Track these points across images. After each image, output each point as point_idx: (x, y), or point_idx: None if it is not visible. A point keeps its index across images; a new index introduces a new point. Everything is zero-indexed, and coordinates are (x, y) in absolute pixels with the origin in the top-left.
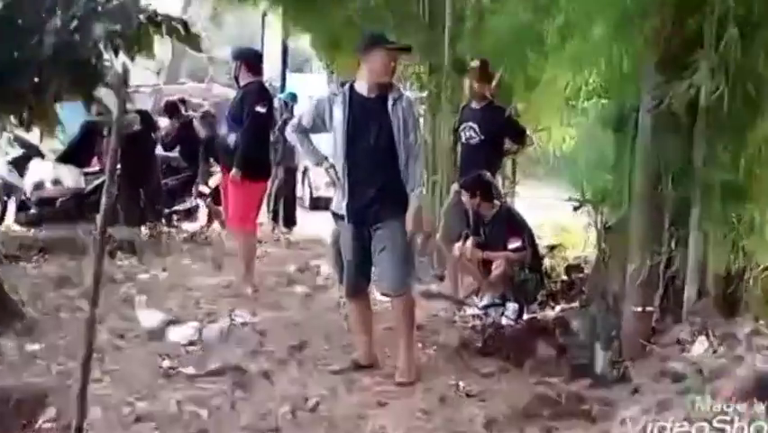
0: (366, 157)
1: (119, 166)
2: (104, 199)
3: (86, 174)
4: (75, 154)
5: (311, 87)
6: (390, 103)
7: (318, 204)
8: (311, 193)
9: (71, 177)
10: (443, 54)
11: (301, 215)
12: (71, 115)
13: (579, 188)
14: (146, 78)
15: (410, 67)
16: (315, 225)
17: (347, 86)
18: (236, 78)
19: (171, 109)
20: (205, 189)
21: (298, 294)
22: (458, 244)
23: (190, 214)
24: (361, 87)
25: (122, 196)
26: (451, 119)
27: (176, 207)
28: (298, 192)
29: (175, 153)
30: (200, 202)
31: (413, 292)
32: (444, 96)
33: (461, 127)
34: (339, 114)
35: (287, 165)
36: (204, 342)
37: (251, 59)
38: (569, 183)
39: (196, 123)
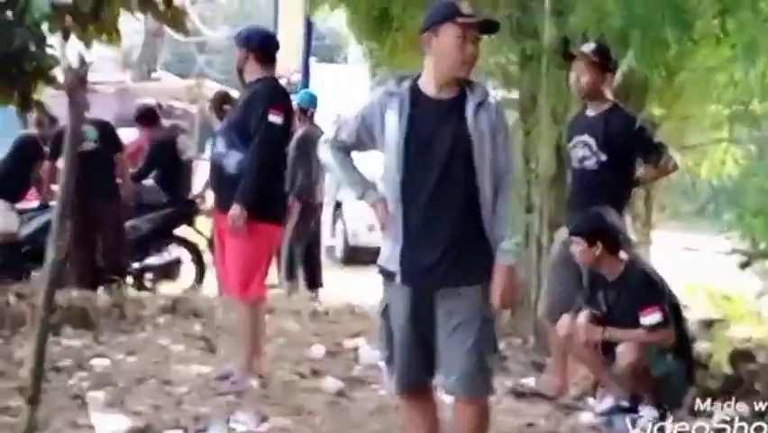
0: (432, 188)
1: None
2: (49, 251)
3: (19, 212)
4: (4, 183)
5: (344, 84)
6: (471, 109)
7: (356, 256)
8: (346, 241)
9: None
10: (542, 35)
11: (331, 272)
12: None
13: (748, 236)
14: (106, 72)
15: (493, 55)
16: (352, 288)
17: (407, 82)
18: (240, 73)
19: (146, 117)
20: (191, 234)
21: (327, 391)
22: (566, 319)
23: (170, 270)
24: (427, 86)
25: (70, 243)
26: (554, 132)
27: (149, 261)
28: (326, 239)
29: (149, 182)
30: (184, 253)
31: (492, 393)
32: (544, 98)
33: (572, 144)
34: (394, 123)
35: (306, 199)
36: None
37: (262, 47)
38: (732, 227)
39: (181, 138)
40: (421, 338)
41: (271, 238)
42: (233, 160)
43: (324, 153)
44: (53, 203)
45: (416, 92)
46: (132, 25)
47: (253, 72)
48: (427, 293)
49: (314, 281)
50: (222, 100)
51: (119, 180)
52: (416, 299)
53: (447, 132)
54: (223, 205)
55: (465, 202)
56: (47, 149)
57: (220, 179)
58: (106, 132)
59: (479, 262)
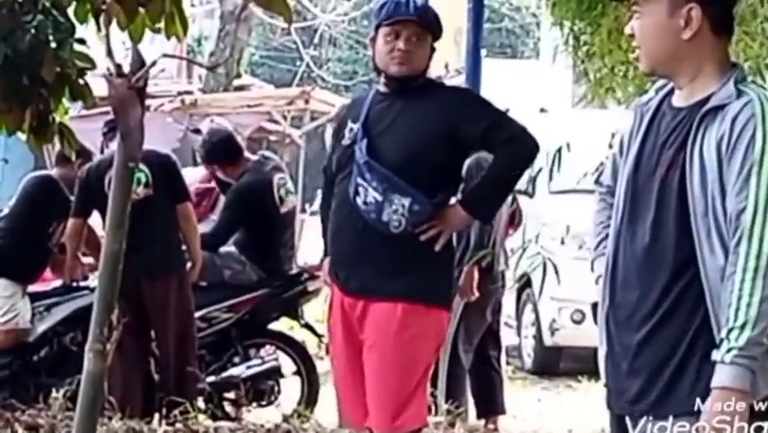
0: (642, 252)
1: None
2: (86, 359)
3: (32, 298)
4: (9, 253)
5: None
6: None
7: (556, 363)
8: (539, 337)
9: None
10: None
11: (517, 388)
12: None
13: None
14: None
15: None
16: (552, 413)
17: (665, 88)
18: (410, 77)
19: (223, 150)
20: (296, 331)
21: None
22: None
23: (262, 388)
24: (678, 96)
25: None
26: None
27: (231, 373)
28: (507, 336)
29: (229, 249)
30: (284, 360)
31: None
32: None
33: None
34: (633, 146)
35: (482, 267)
36: None
37: (440, 32)
38: None
39: (279, 179)
40: None
41: (441, 331)
42: (398, 211)
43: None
44: (87, 283)
45: (665, 101)
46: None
47: (423, 65)
48: (630, 417)
49: (490, 404)
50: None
51: (183, 247)
52: (619, 426)
53: (672, 160)
54: (362, 286)
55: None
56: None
57: (367, 243)
58: (165, 171)
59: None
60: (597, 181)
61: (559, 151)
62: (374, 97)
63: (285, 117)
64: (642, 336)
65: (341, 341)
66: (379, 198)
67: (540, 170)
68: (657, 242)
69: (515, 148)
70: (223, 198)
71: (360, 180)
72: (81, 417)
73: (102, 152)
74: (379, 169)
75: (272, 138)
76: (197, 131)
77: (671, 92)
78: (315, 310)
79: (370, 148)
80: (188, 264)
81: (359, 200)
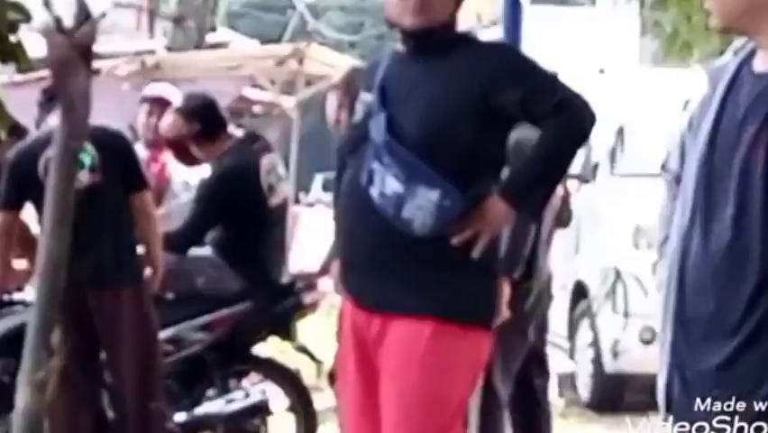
0: (718, 262)
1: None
2: (19, 394)
3: None
4: None
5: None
6: None
7: (618, 394)
8: (598, 362)
9: None
10: None
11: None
12: None
13: None
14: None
15: None
16: None
17: (745, 50)
18: (426, 32)
19: (199, 122)
20: (288, 355)
21: None
22: None
23: (245, 428)
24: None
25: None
26: None
27: (205, 410)
28: (558, 361)
29: (203, 250)
30: (273, 392)
31: None
32: None
33: None
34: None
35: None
36: None
37: None
38: None
39: (267, 161)
40: None
41: (480, 358)
42: (423, 206)
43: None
44: (21, 296)
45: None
46: None
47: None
48: None
49: None
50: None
51: (140, 248)
52: None
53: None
54: (379, 300)
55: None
56: None
57: (385, 246)
58: (117, 152)
59: None
60: (664, 166)
61: (622, 126)
62: (392, 60)
63: (273, 82)
64: (722, 359)
65: (352, 369)
66: (400, 188)
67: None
68: (739, 241)
69: (564, 120)
70: (175, 188)
71: (375, 165)
72: None
73: (37, 127)
74: (401, 151)
75: (257, 109)
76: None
77: (751, 54)
78: (312, 329)
79: (389, 124)
80: (147, 271)
81: (373, 191)
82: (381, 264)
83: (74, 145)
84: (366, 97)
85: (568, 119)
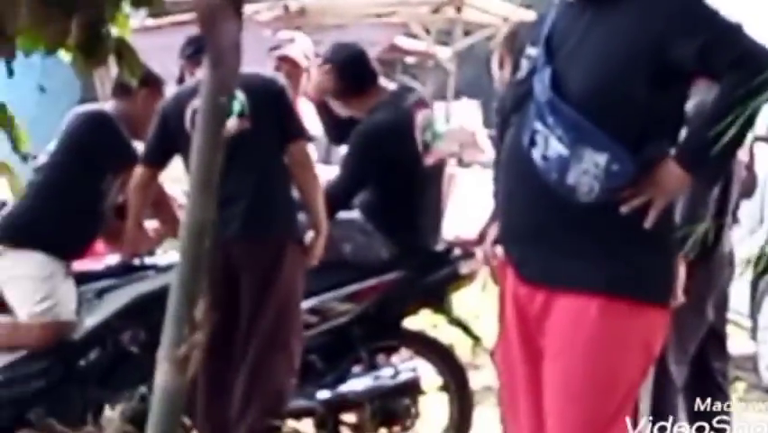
0: None
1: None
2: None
3: (78, 279)
4: (46, 218)
5: None
6: None
7: None
8: None
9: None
10: None
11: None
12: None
13: None
14: None
15: None
16: None
17: None
18: None
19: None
20: (443, 329)
21: None
22: None
23: (395, 405)
24: None
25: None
26: None
27: (350, 387)
28: (739, 342)
29: (351, 214)
30: (425, 368)
31: None
32: None
33: None
34: None
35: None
36: None
37: None
38: None
39: (423, 117)
40: None
41: (654, 339)
42: (589, 171)
43: None
44: (154, 260)
45: None
46: None
47: None
48: None
49: (711, 428)
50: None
51: (299, 201)
52: None
53: None
54: (543, 272)
55: None
56: (140, 146)
57: (548, 214)
58: (270, 99)
59: None
60: None
61: None
62: (560, 11)
63: (428, 31)
64: None
65: (515, 345)
66: (565, 151)
67: None
68: None
69: (747, 73)
70: None
71: (538, 125)
72: None
73: (181, 81)
74: (566, 110)
75: (410, 60)
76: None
77: None
78: (469, 302)
79: (554, 80)
80: (308, 234)
81: (535, 153)
82: (544, 233)
83: (222, 101)
84: (531, 52)
85: (752, 73)
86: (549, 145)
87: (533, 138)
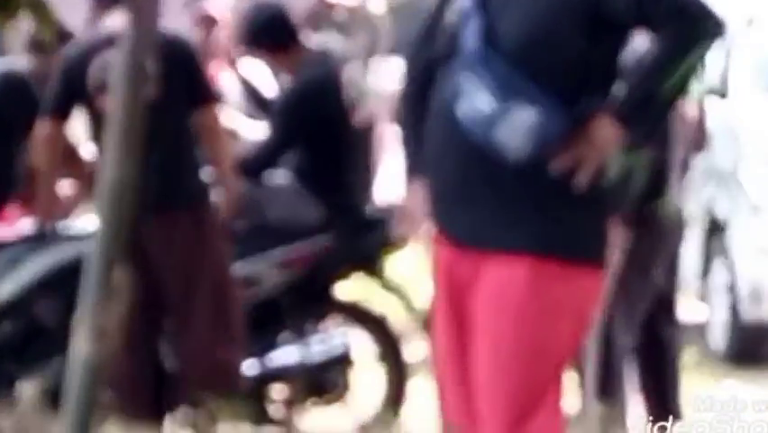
0: None
1: None
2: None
3: None
4: None
5: None
6: None
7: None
8: (734, 311)
9: None
10: None
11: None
12: None
13: None
14: None
15: None
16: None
17: None
18: None
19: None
20: (375, 297)
21: None
22: None
23: (327, 379)
24: None
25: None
26: None
27: (280, 360)
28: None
29: (278, 176)
30: (358, 338)
31: None
32: None
33: None
34: None
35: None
36: None
37: None
38: None
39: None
40: None
41: (590, 301)
42: (518, 127)
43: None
44: (74, 225)
45: None
46: None
47: None
48: None
49: (660, 403)
50: None
51: (211, 170)
52: None
53: None
54: (471, 234)
55: None
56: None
57: (476, 174)
58: (179, 62)
59: None
60: None
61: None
62: None
63: None
64: None
65: (444, 312)
66: (492, 106)
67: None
68: None
69: (686, 25)
70: None
71: (464, 78)
72: (70, 422)
73: (89, 28)
74: (495, 62)
75: (339, 16)
76: None
77: None
78: (402, 267)
79: (485, 31)
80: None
81: (461, 108)
82: (471, 194)
83: (142, 57)
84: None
85: (690, 25)
86: (475, 100)
87: (458, 91)
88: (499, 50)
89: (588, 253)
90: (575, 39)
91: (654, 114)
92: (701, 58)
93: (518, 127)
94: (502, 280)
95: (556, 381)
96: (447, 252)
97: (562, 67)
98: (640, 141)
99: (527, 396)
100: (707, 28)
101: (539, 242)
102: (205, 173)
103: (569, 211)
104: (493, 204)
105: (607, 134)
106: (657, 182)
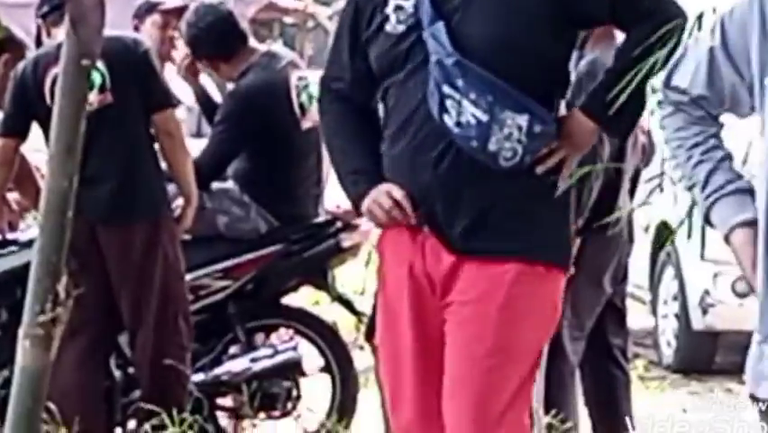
0: None
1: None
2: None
3: None
4: None
5: None
6: None
7: (704, 357)
8: (685, 318)
9: None
10: None
11: (651, 392)
12: None
13: None
14: None
15: None
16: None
17: None
18: None
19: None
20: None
21: None
22: None
23: (275, 388)
24: None
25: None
26: None
27: (228, 368)
28: (637, 317)
29: (226, 184)
30: (306, 348)
31: None
32: None
33: None
34: None
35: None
36: None
37: None
38: None
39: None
40: None
41: (556, 305)
42: (512, 135)
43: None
44: (16, 235)
45: None
46: None
47: None
48: None
49: (610, 415)
50: None
51: (167, 178)
52: None
53: None
54: (456, 240)
55: None
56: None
57: (459, 182)
58: (132, 66)
59: None
60: (668, 84)
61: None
62: None
63: None
64: None
65: (407, 313)
66: (484, 117)
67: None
68: None
69: (656, 23)
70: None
71: (448, 90)
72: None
73: (39, 43)
74: (478, 72)
75: (288, 20)
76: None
77: None
78: (351, 277)
79: (451, 37)
80: (176, 204)
81: (449, 120)
82: (457, 199)
83: (84, 64)
84: (399, 2)
85: (660, 23)
86: (463, 110)
87: (443, 103)
88: (470, 54)
89: (563, 256)
90: (546, 39)
91: (630, 110)
92: (671, 55)
93: (512, 135)
94: (489, 281)
95: (532, 377)
96: (419, 253)
97: (537, 68)
98: (617, 137)
99: (503, 395)
100: (678, 25)
101: (528, 248)
102: (163, 182)
103: (548, 216)
104: (479, 208)
105: (584, 132)
106: (608, 192)
